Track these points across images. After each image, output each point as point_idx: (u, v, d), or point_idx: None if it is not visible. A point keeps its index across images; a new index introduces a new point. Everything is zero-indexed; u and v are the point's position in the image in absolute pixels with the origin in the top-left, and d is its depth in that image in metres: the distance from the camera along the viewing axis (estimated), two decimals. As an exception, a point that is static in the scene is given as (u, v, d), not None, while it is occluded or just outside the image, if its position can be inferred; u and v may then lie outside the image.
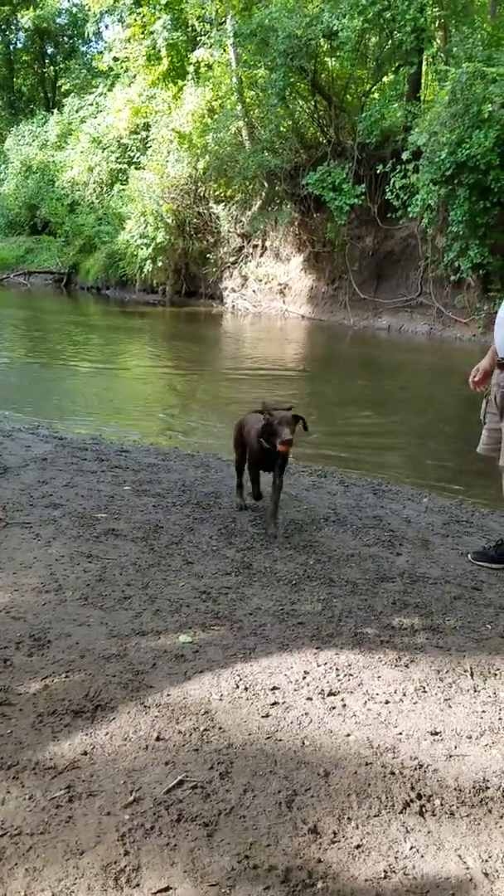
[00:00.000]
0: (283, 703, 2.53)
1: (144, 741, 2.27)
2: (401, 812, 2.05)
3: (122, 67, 27.43)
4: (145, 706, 2.45)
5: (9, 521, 4.02)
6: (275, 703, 2.52)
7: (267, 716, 2.44)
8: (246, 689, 2.59)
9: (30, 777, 2.08)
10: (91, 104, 29.67)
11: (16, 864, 1.78)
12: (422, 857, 1.89)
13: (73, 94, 32.52)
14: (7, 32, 39.80)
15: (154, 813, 1.97)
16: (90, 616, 3.05)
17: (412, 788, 2.13)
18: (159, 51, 25.06)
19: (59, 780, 2.08)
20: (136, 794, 2.04)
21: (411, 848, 1.92)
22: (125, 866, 1.79)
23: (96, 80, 31.34)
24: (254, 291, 22.26)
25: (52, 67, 40.78)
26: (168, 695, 2.53)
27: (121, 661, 2.72)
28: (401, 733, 2.39)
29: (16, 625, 2.93)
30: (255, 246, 22.63)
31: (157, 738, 2.29)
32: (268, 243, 22.20)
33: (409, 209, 16.22)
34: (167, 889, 1.73)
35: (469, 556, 4.05)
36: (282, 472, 4.26)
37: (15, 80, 41.31)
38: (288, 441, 3.86)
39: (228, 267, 23.14)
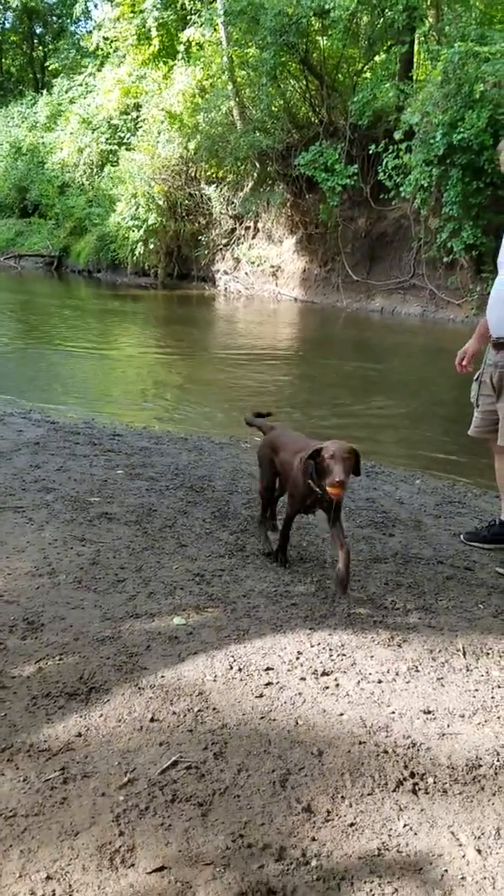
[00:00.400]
0: (277, 683, 2.54)
1: (139, 722, 2.28)
2: (394, 790, 2.06)
3: (111, 47, 27.11)
4: (139, 688, 2.46)
5: (2, 506, 4.01)
6: (268, 684, 2.53)
7: (261, 696, 2.45)
8: (240, 669, 2.60)
9: (24, 759, 2.09)
10: (80, 85, 29.32)
11: (10, 846, 1.78)
12: (415, 834, 1.91)
13: (62, 75, 32.14)
14: (-5, 12, 39.29)
15: (148, 793, 1.98)
16: (84, 599, 3.05)
17: (405, 767, 2.15)
18: (149, 30, 24.76)
19: (53, 761, 2.09)
20: (131, 774, 2.05)
21: (405, 826, 1.94)
22: (120, 847, 1.80)
23: (85, 60, 30.95)
24: (246, 274, 22.14)
25: (40, 48, 40.29)
26: (162, 676, 2.53)
27: (115, 644, 2.72)
28: (394, 712, 2.40)
29: (9, 608, 2.93)
30: (248, 228, 22.47)
31: (152, 720, 2.30)
32: (260, 225, 22.04)
33: (401, 190, 16.12)
34: (162, 868, 1.74)
35: (461, 536, 4.06)
36: (338, 515, 3.29)
37: (3, 60, 40.83)
38: (340, 483, 3.04)
39: (220, 249, 22.99)
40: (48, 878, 1.70)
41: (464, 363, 3.96)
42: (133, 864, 1.75)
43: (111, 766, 2.08)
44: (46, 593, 3.08)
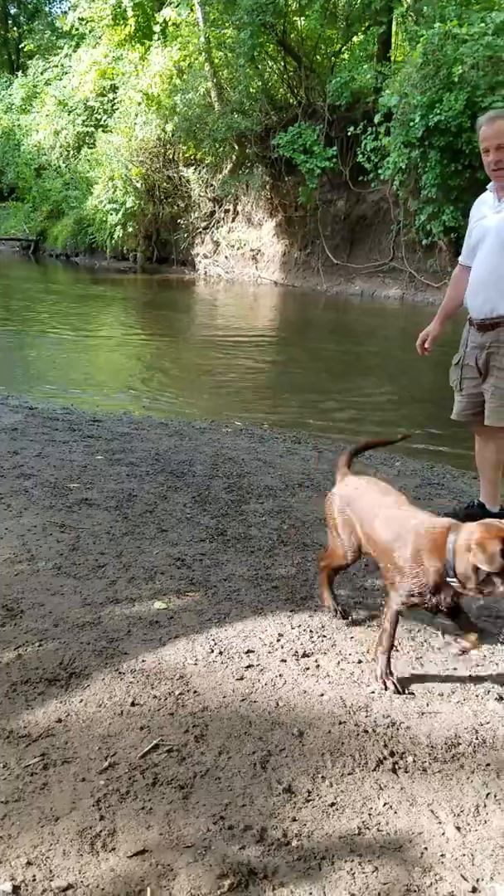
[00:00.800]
0: (258, 665, 2.54)
1: (119, 707, 2.28)
2: (374, 769, 2.07)
3: (87, 28, 26.69)
4: (120, 672, 2.45)
5: (-21, 492, 3.98)
6: (249, 666, 2.53)
7: (242, 678, 2.46)
8: (221, 653, 2.60)
9: (4, 746, 2.08)
10: (56, 66, 28.88)
11: (-9, 832, 1.78)
12: (395, 813, 1.92)
13: (37, 56, 31.61)
14: (-33, -8, 38.53)
15: (129, 778, 1.98)
16: (63, 585, 3.04)
17: (385, 746, 2.16)
18: (125, 10, 24.40)
19: (33, 747, 2.08)
20: (112, 759, 2.05)
21: (385, 804, 1.95)
22: (101, 831, 1.80)
23: (61, 41, 30.46)
24: (226, 257, 22.02)
25: (15, 29, 39.57)
26: (143, 661, 2.53)
27: (95, 629, 2.71)
28: (373, 692, 2.42)
29: (-12, 595, 2.91)
30: (227, 211, 22.33)
31: (133, 704, 2.29)
32: (239, 208, 21.91)
33: (380, 172, 16.09)
34: (143, 852, 1.74)
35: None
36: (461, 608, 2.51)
37: (-23, 41, 40.07)
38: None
39: (200, 232, 22.84)
40: (28, 863, 1.70)
41: (427, 346, 3.97)
42: (114, 848, 1.75)
43: (92, 751, 2.08)
44: (26, 580, 3.06)
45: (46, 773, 1.99)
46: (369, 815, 1.91)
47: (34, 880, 1.65)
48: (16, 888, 1.62)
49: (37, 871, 1.68)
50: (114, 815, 1.85)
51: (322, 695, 2.39)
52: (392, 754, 2.13)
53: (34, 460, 4.62)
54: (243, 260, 21.58)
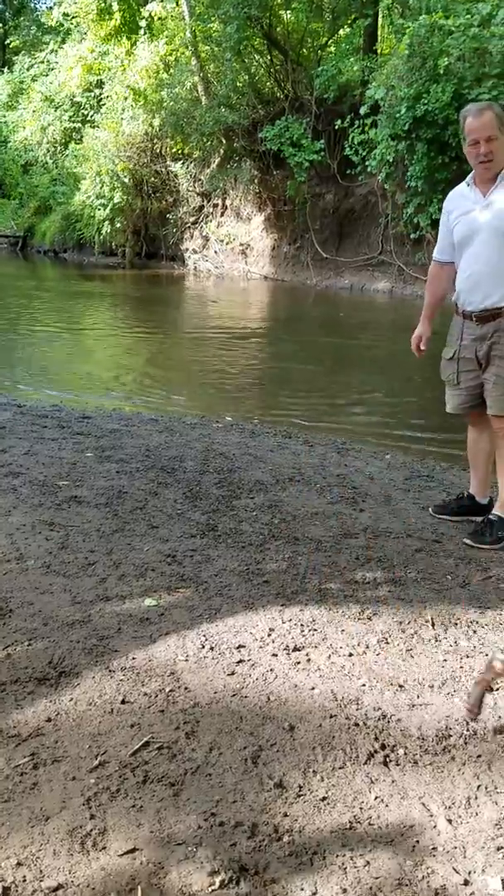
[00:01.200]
0: (249, 660, 2.53)
1: (109, 705, 2.27)
2: (365, 763, 2.07)
3: (72, 23, 26.54)
4: (110, 670, 2.44)
5: (-32, 491, 3.95)
6: (240, 661, 2.52)
7: (233, 674, 2.45)
8: (212, 648, 2.60)
9: (-7, 746, 2.07)
10: (42, 62, 28.72)
11: (-20, 833, 1.77)
12: (386, 806, 1.92)
13: (23, 52, 31.44)
14: (-48, -13, 38.27)
15: (120, 776, 1.97)
16: (53, 584, 3.02)
17: (376, 739, 2.16)
18: (110, 5, 24.26)
19: (22, 747, 2.07)
20: (102, 757, 2.04)
21: (376, 798, 1.95)
22: (91, 830, 1.79)
23: (46, 36, 30.31)
24: (215, 252, 21.97)
25: (0, 25, 39.31)
26: (133, 658, 2.52)
27: (85, 627, 2.70)
28: (364, 685, 2.41)
29: (-24, 595, 2.89)
30: (216, 205, 22.27)
31: (123, 702, 2.28)
32: (228, 202, 21.85)
33: (368, 165, 16.04)
34: (133, 850, 1.73)
35: (430, 509, 4.08)
36: None
37: (-38, 37, 39.77)
38: None
39: (189, 227, 22.78)
40: (19, 864, 1.69)
41: (422, 347, 3.98)
42: (104, 847, 1.74)
43: (82, 749, 2.07)
44: (14, 579, 3.04)
45: (36, 772, 1.97)
46: (360, 808, 1.91)
47: (24, 881, 1.64)
48: (6, 889, 1.61)
49: (27, 872, 1.66)
50: (104, 813, 1.84)
51: (313, 688, 2.38)
52: (383, 747, 2.13)
53: (22, 458, 4.60)
54: (233, 255, 21.54)
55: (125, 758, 2.04)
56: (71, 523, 3.64)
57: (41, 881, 1.64)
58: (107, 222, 22.19)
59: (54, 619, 2.74)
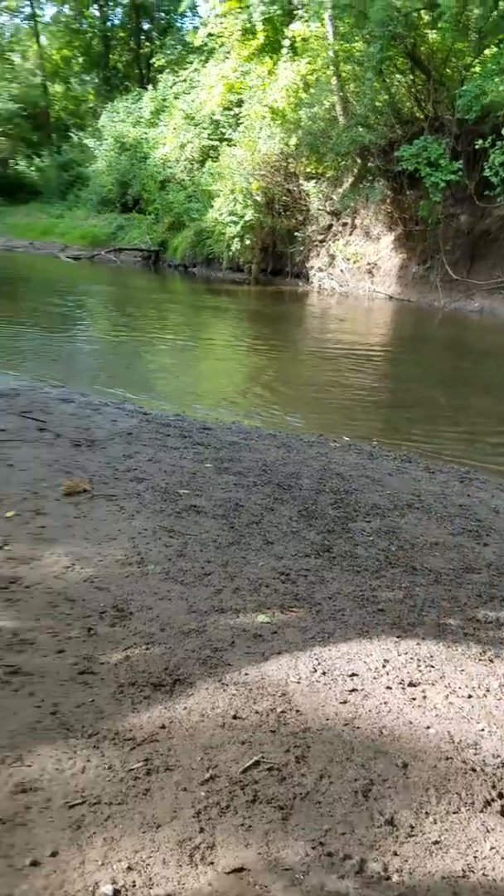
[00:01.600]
0: (362, 690, 2.49)
1: (221, 719, 2.28)
2: (481, 811, 1.98)
3: (217, 43, 27.30)
4: (223, 683, 2.45)
5: (95, 493, 4.10)
6: (353, 690, 2.48)
7: (345, 702, 2.41)
8: (324, 673, 2.57)
9: (109, 747, 2.11)
10: (184, 80, 29.67)
11: (94, 833, 1.81)
12: (502, 859, 1.83)
13: (167, 71, 32.60)
14: (105, 8, 40.26)
15: (230, 792, 1.97)
16: (171, 590, 3.08)
17: (493, 787, 2.07)
18: (254, 25, 24.80)
19: (137, 751, 2.10)
20: (213, 771, 2.05)
21: (491, 848, 1.86)
22: (200, 843, 1.80)
23: (190, 56, 31.30)
24: (341, 271, 21.93)
25: (147, 44, 41.01)
26: (246, 674, 2.52)
27: (200, 637, 2.73)
28: (483, 729, 2.32)
29: (99, 595, 2.98)
30: (345, 224, 22.24)
31: (235, 717, 2.29)
32: (358, 221, 21.78)
33: (507, 187, 15.62)
34: (241, 870, 1.73)
35: None
36: None
37: (111, 56, 41.77)
38: None
39: (316, 245, 22.85)
40: (129, 868, 1.71)
41: None
42: (212, 863, 1.75)
43: (193, 760, 2.08)
44: (135, 582, 3.12)
45: (149, 778, 2.00)
46: (475, 857, 1.83)
47: (134, 886, 1.67)
48: (116, 892, 1.64)
49: (137, 877, 1.69)
50: (213, 828, 1.85)
51: (428, 727, 2.31)
52: (500, 796, 2.04)
53: (147, 464, 4.73)
54: (359, 273, 21.43)
55: (235, 774, 2.04)
56: (189, 532, 3.70)
57: (150, 888, 1.66)
58: (237, 239, 22.58)
59: (171, 626, 2.79)
